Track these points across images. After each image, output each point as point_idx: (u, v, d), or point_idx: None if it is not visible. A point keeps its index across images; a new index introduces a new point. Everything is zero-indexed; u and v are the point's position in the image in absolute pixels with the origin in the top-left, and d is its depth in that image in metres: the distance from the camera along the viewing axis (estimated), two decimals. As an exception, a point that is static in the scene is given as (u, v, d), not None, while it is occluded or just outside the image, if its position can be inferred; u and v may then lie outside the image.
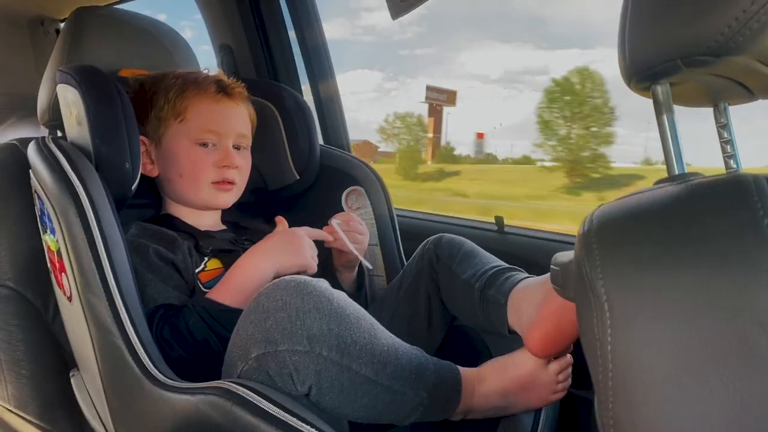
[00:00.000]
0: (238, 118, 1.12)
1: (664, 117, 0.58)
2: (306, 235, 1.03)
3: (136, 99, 1.09)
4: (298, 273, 0.96)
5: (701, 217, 0.43)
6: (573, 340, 0.84)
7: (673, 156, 0.57)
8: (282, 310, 0.76)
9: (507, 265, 1.03)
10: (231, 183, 1.10)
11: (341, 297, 0.81)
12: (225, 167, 1.08)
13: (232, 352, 0.80)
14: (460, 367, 0.87)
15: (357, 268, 1.18)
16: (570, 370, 0.90)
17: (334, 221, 1.10)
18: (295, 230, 1.03)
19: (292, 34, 1.68)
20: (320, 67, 1.67)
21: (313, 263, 1.02)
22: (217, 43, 1.66)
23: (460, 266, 1.05)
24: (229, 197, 1.12)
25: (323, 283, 0.81)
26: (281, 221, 1.07)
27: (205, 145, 1.08)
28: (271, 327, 0.75)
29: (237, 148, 1.12)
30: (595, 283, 0.45)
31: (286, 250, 0.99)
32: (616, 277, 0.44)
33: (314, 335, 0.75)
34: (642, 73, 0.55)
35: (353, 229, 1.12)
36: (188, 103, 1.07)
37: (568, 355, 0.90)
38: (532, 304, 0.89)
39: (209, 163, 1.08)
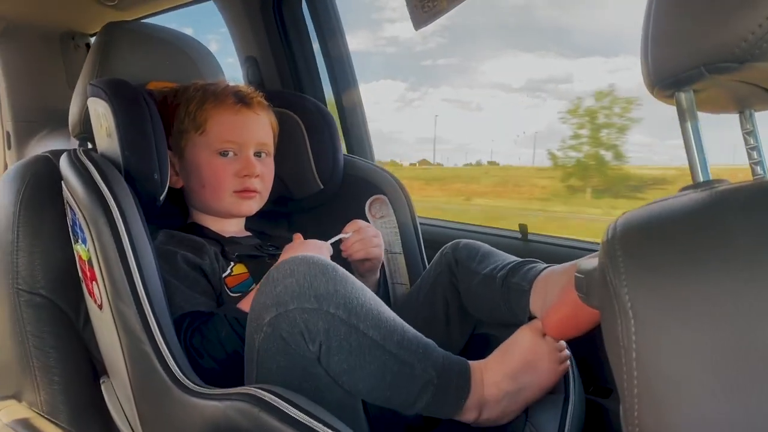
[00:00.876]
0: (258, 127, 1.14)
1: (688, 124, 0.57)
2: (328, 247, 1.05)
3: (160, 112, 1.11)
4: None
5: (727, 224, 0.43)
6: (588, 327, 0.83)
7: (698, 163, 0.57)
8: (290, 276, 0.79)
9: (528, 259, 1.04)
10: (253, 191, 1.12)
11: (345, 271, 0.84)
12: (246, 177, 1.10)
13: (250, 328, 0.83)
14: (468, 361, 0.87)
15: (380, 277, 1.19)
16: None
17: (343, 235, 1.11)
18: (317, 241, 1.05)
19: (315, 46, 1.70)
20: (343, 78, 1.69)
21: None
22: (243, 55, 1.69)
23: (480, 264, 1.06)
24: (253, 205, 1.14)
25: (326, 258, 0.85)
26: (298, 237, 1.09)
27: (225, 154, 1.10)
28: (281, 291, 0.79)
29: (258, 155, 1.14)
30: (619, 290, 0.45)
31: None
32: (640, 284, 0.44)
33: (321, 294, 0.78)
34: (665, 81, 0.55)
35: (365, 235, 1.13)
36: (208, 115, 1.09)
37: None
38: (555, 288, 0.91)
39: (230, 173, 1.10)
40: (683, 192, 0.49)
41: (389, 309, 0.84)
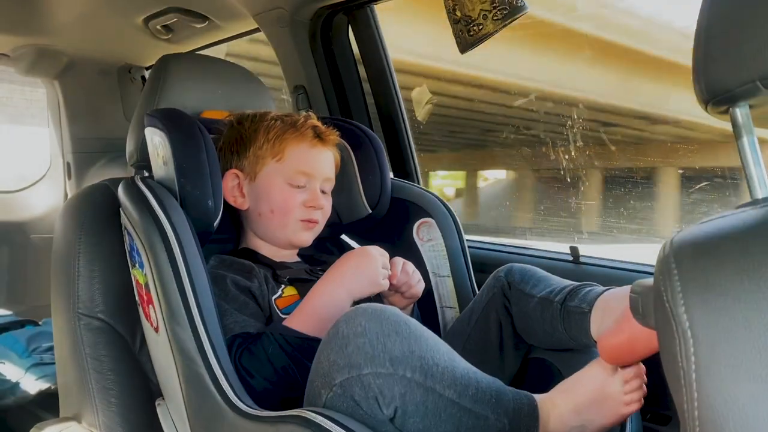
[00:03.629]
0: (328, 164, 1.18)
1: (744, 140, 0.56)
2: (378, 255, 1.05)
3: (233, 134, 1.16)
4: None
5: (786, 241, 0.42)
6: (645, 355, 0.80)
7: (756, 179, 0.56)
8: (362, 336, 0.77)
9: (586, 282, 1.02)
10: (315, 222, 1.15)
11: (416, 322, 0.82)
12: (312, 207, 1.14)
13: (315, 381, 0.81)
14: (534, 395, 0.86)
15: (411, 311, 1.18)
16: (640, 381, 0.86)
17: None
18: (366, 250, 1.06)
19: (361, 69, 1.73)
20: (388, 102, 1.71)
21: (385, 284, 1.05)
22: (292, 84, 1.73)
23: (536, 288, 1.05)
24: (311, 236, 1.17)
25: (397, 310, 0.82)
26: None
27: (297, 185, 1.13)
28: (353, 352, 0.77)
29: (323, 191, 1.17)
30: (676, 309, 0.44)
31: (359, 275, 1.02)
32: (698, 303, 0.43)
33: (396, 357, 0.76)
34: (719, 96, 0.54)
35: (407, 279, 1.12)
36: (287, 145, 1.13)
37: (640, 364, 0.87)
38: (614, 312, 0.89)
39: (299, 201, 1.13)
40: (741, 209, 0.48)
41: (461, 359, 0.83)
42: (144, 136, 1.15)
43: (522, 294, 1.06)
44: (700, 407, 0.42)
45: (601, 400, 0.85)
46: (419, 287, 1.14)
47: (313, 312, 0.98)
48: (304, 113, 1.22)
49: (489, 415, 0.79)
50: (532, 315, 1.04)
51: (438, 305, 1.27)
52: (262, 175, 1.14)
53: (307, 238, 1.16)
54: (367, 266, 1.03)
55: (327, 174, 1.18)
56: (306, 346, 0.93)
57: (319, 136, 1.16)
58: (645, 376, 0.87)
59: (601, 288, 0.98)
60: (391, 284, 1.09)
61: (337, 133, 1.22)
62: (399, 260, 1.12)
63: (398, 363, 0.76)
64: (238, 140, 1.15)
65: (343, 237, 1.15)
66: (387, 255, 1.08)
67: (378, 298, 1.14)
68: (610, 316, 0.91)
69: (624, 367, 0.86)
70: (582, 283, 1.02)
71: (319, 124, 1.19)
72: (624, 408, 0.86)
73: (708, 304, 0.43)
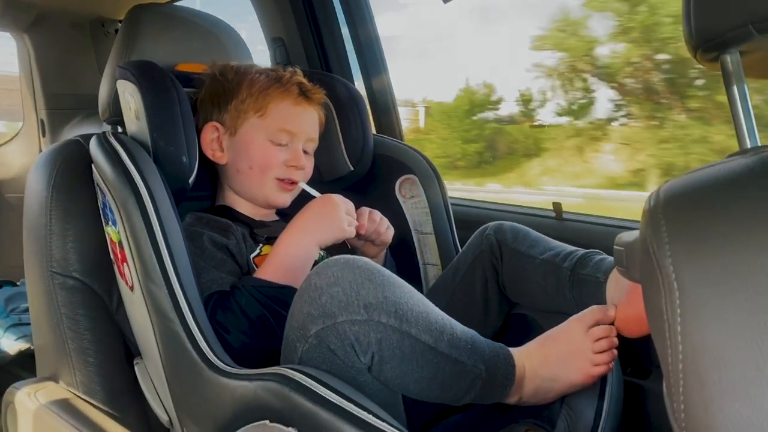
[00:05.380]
0: (311, 123, 1.15)
1: (735, 88, 0.55)
2: (340, 202, 1.04)
3: (215, 85, 1.13)
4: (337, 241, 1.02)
5: (777, 190, 0.41)
6: None
7: (745, 129, 0.54)
8: (336, 285, 0.76)
9: (591, 250, 1.03)
10: (294, 183, 1.13)
11: (389, 272, 0.81)
12: (292, 167, 1.11)
13: (290, 335, 0.80)
14: (509, 348, 0.87)
15: (384, 260, 1.18)
16: (609, 343, 0.87)
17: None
18: (328, 197, 1.05)
19: (345, 31, 1.68)
20: (372, 60, 1.67)
21: (350, 230, 1.04)
22: (270, 37, 1.68)
23: (535, 249, 1.05)
24: (289, 197, 1.15)
25: (369, 260, 0.82)
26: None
27: (279, 142, 1.10)
28: (327, 302, 0.76)
29: (305, 152, 1.14)
30: (663, 261, 0.42)
31: (322, 221, 1.02)
32: (685, 255, 0.42)
33: (371, 303, 0.76)
34: (709, 42, 0.52)
35: (375, 227, 1.12)
36: (270, 100, 1.10)
37: (611, 327, 0.88)
38: (627, 283, 0.89)
39: (280, 160, 1.10)
40: (731, 158, 0.47)
41: (434, 306, 0.83)
42: (116, 89, 1.11)
43: (517, 253, 1.06)
44: (684, 360, 0.41)
45: (570, 355, 0.86)
46: (389, 234, 1.14)
47: (280, 262, 0.97)
48: (290, 69, 1.18)
49: (465, 360, 0.79)
50: (531, 276, 1.04)
51: (420, 262, 1.26)
52: (242, 130, 1.11)
53: (285, 198, 1.14)
54: (329, 213, 1.03)
55: (310, 134, 1.15)
56: (279, 295, 0.93)
57: (304, 94, 1.14)
58: (616, 339, 0.88)
59: (611, 258, 0.97)
60: (360, 234, 1.09)
61: (324, 92, 1.19)
62: (365, 210, 1.12)
63: (373, 309, 0.75)
64: (219, 92, 1.12)
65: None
66: (351, 203, 1.07)
67: (350, 250, 1.14)
68: (623, 287, 0.91)
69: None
70: (589, 251, 1.02)
71: (305, 81, 1.16)
72: (593, 369, 0.87)
73: (695, 255, 0.41)
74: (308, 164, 1.15)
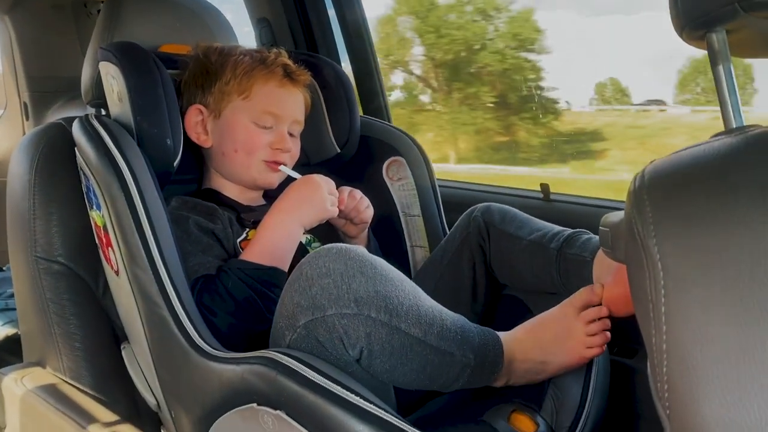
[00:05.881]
0: (297, 105, 1.14)
1: (720, 67, 0.54)
2: (322, 182, 1.04)
3: (198, 67, 1.11)
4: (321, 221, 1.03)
5: (761, 168, 0.40)
6: None
7: (730, 108, 0.54)
8: (326, 276, 0.76)
9: (578, 229, 1.02)
10: (281, 164, 1.11)
11: (382, 262, 0.81)
12: (278, 150, 1.10)
13: (279, 323, 0.80)
14: (498, 332, 0.87)
15: (367, 241, 1.18)
16: (602, 325, 0.87)
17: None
18: (310, 178, 1.04)
19: (331, 12, 1.66)
20: (359, 41, 1.66)
21: (333, 210, 1.04)
22: (255, 17, 1.66)
23: (522, 230, 1.05)
24: (277, 178, 1.13)
25: (362, 249, 0.81)
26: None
27: (263, 125, 1.09)
28: (317, 293, 0.75)
29: (290, 134, 1.13)
30: (647, 241, 0.42)
31: (305, 203, 1.01)
32: (669, 235, 0.42)
33: (361, 297, 0.75)
34: (696, 21, 0.52)
35: (355, 205, 1.11)
36: (254, 82, 1.08)
37: (602, 308, 0.88)
38: (613, 263, 0.88)
39: (265, 143, 1.09)
40: (715, 137, 0.46)
41: (425, 296, 0.82)
42: (99, 71, 1.09)
43: (505, 234, 1.05)
44: (668, 340, 0.41)
45: (563, 339, 0.87)
46: (368, 213, 1.13)
47: (265, 244, 0.97)
48: (275, 50, 1.16)
49: (455, 351, 0.79)
50: (518, 257, 1.04)
51: (408, 244, 1.26)
52: (227, 113, 1.09)
53: (274, 179, 1.13)
54: (312, 193, 1.02)
55: (296, 116, 1.13)
56: (265, 276, 0.93)
57: (289, 76, 1.12)
58: (608, 321, 0.88)
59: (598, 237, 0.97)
60: (341, 210, 1.08)
61: (309, 73, 1.17)
62: (345, 188, 1.11)
63: (363, 303, 0.75)
64: (203, 74, 1.10)
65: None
66: (332, 182, 1.06)
67: (332, 231, 1.14)
68: (610, 266, 0.90)
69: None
70: (576, 230, 1.02)
71: (290, 62, 1.14)
72: (585, 351, 0.87)
73: (680, 236, 0.41)
74: (294, 147, 1.14)
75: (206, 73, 1.10)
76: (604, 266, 0.93)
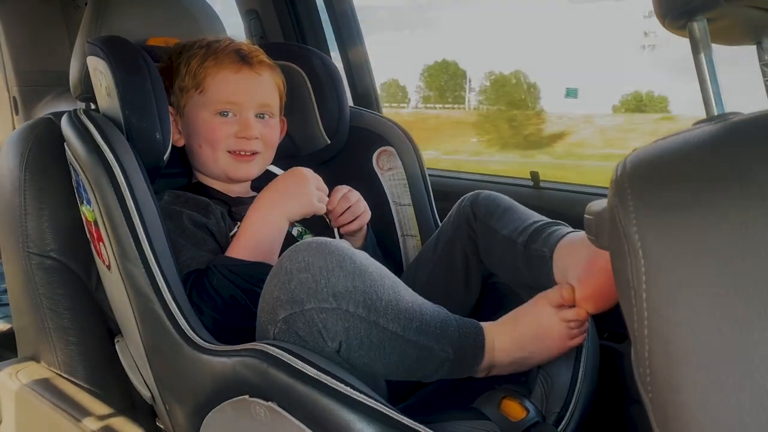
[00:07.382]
0: (259, 88, 1.10)
1: (702, 56, 0.55)
2: (310, 176, 1.03)
3: (164, 69, 1.10)
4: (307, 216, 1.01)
5: (743, 157, 0.41)
6: None
7: (712, 96, 0.55)
8: (305, 271, 0.76)
9: (549, 220, 1.00)
10: (251, 154, 1.09)
11: (363, 256, 0.81)
12: (243, 138, 1.07)
13: (262, 317, 0.80)
14: (482, 323, 0.86)
15: (365, 239, 1.17)
16: (582, 322, 0.87)
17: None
18: (297, 170, 1.03)
19: (320, 2, 1.66)
20: (348, 31, 1.65)
21: (320, 206, 1.03)
22: (244, 9, 1.65)
23: (500, 222, 1.02)
24: (251, 168, 1.11)
25: (344, 243, 0.81)
26: None
27: (225, 114, 1.06)
28: (296, 288, 0.75)
29: (261, 116, 1.10)
30: (629, 230, 0.43)
31: (291, 196, 1.01)
32: (650, 222, 0.42)
33: (339, 292, 0.75)
34: (678, 9, 0.53)
35: (349, 204, 1.10)
36: (206, 74, 1.06)
37: (580, 309, 0.86)
38: (580, 259, 0.87)
39: (228, 133, 1.06)
40: (696, 126, 0.47)
41: (405, 289, 0.82)
42: (87, 65, 1.09)
43: (487, 228, 1.03)
44: (649, 325, 0.42)
45: (542, 335, 0.86)
46: (365, 217, 1.12)
47: (249, 238, 0.97)
48: (227, 38, 1.14)
49: (433, 345, 0.80)
50: (496, 252, 1.03)
51: (399, 234, 1.26)
52: (188, 110, 1.08)
53: (248, 170, 1.10)
54: (297, 186, 1.01)
55: (260, 99, 1.09)
56: (249, 271, 0.92)
57: (243, 59, 1.08)
58: (586, 314, 0.87)
59: (564, 230, 0.95)
60: (329, 211, 1.07)
61: (264, 53, 1.13)
62: (342, 188, 1.10)
63: (342, 298, 0.75)
64: (167, 75, 1.09)
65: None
66: (320, 178, 1.05)
67: (326, 223, 1.13)
68: (574, 261, 0.88)
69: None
70: (547, 222, 0.99)
71: (243, 46, 1.11)
72: (569, 341, 0.87)
73: (661, 225, 0.42)
74: (267, 131, 1.10)
75: (168, 73, 1.09)
76: (565, 261, 0.90)
